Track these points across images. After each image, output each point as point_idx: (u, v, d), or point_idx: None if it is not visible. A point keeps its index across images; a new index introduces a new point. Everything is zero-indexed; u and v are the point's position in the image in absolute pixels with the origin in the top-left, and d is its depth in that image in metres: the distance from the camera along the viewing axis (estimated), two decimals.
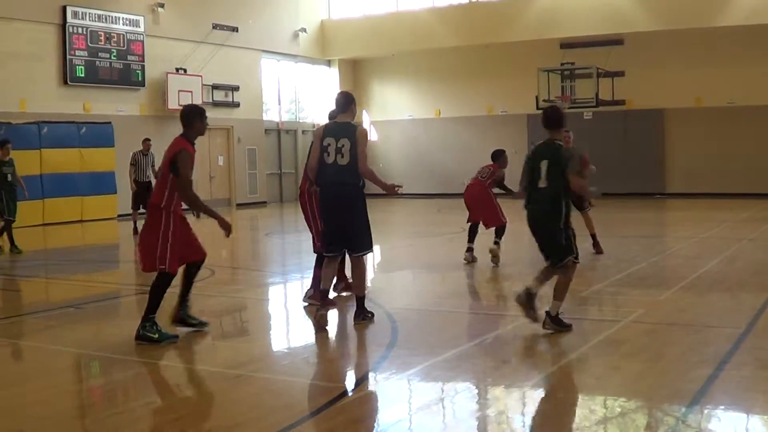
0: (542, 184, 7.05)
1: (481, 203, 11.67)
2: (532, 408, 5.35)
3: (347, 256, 7.99)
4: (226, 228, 7.15)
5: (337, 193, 7.47)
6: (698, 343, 6.73)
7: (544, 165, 7.05)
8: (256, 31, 26.79)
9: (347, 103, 7.66)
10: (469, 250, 11.62)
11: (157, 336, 6.95)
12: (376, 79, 30.66)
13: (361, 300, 7.71)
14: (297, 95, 29.61)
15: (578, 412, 5.18)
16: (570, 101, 24.63)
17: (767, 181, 24.05)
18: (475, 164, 12.73)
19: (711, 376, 5.65)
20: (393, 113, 30.21)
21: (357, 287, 7.79)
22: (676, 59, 25.28)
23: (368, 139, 7.58)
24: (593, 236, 12.13)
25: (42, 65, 20.88)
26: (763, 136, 24.44)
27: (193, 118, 7.17)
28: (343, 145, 7.38)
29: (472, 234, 11.70)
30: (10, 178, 14.55)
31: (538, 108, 24.82)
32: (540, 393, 5.60)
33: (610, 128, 26.14)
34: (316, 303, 7.97)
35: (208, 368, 6.45)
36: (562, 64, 24.91)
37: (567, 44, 25.87)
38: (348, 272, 8.65)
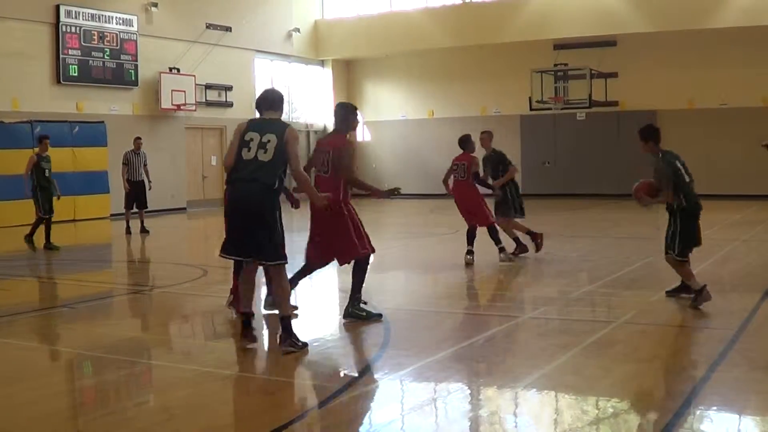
0: (688, 179, 8.69)
1: (468, 203, 11.63)
2: (524, 409, 5.35)
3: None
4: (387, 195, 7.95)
5: (246, 191, 6.62)
6: (690, 344, 6.74)
7: (682, 165, 8.62)
8: (250, 31, 26.75)
9: (278, 100, 7.00)
10: (470, 252, 11.54)
11: (365, 314, 7.62)
12: (369, 79, 30.65)
13: (285, 321, 6.72)
14: (290, 95, 29.55)
15: (570, 413, 5.18)
16: (563, 102, 24.68)
17: (759, 182, 24.08)
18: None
19: (703, 378, 5.66)
20: (386, 114, 30.19)
21: (278, 305, 6.86)
22: (669, 61, 25.30)
23: (298, 141, 6.87)
24: (529, 233, 11.98)
25: (35, 64, 20.80)
26: (755, 138, 24.42)
27: (348, 114, 7.87)
28: (268, 141, 6.63)
29: (470, 237, 11.60)
30: (47, 173, 14.62)
31: (531, 109, 24.94)
32: (532, 394, 5.60)
33: (603, 129, 26.16)
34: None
35: (200, 368, 6.43)
36: (555, 65, 24.98)
37: (560, 45, 25.89)
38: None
